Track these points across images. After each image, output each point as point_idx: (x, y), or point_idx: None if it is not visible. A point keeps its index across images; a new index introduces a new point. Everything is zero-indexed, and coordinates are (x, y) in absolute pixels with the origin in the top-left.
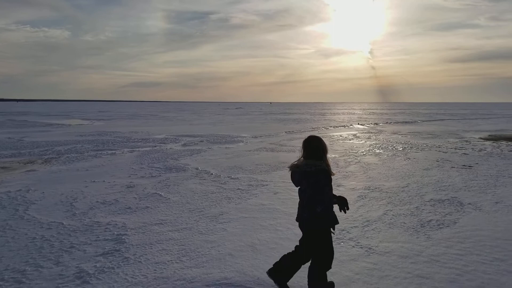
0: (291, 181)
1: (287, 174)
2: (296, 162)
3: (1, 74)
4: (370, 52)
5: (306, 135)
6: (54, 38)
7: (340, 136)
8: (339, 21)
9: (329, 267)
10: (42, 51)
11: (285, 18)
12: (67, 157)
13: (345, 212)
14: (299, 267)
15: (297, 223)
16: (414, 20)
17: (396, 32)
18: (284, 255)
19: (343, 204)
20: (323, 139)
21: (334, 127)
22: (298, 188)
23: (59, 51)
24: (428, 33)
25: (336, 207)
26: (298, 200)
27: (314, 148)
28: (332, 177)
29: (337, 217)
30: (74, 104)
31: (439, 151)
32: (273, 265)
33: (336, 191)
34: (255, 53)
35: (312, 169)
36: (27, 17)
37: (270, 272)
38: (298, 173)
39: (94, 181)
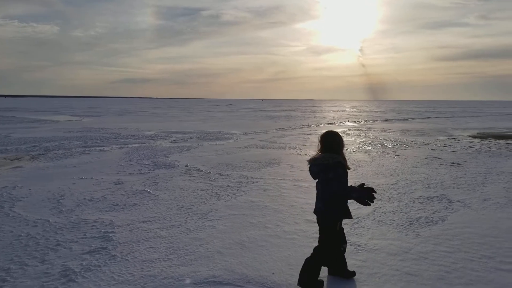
0: (281, 178)
1: (277, 171)
2: (313, 156)
3: None
4: (361, 50)
5: (296, 132)
6: (43, 34)
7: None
8: (330, 19)
9: (323, 261)
10: (31, 46)
11: (276, 15)
12: (55, 153)
13: (369, 205)
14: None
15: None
16: (404, 18)
17: (387, 30)
18: (306, 259)
19: (368, 196)
20: (314, 135)
21: (324, 124)
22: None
23: (48, 46)
24: (418, 31)
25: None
26: (313, 194)
27: (330, 142)
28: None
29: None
30: (63, 100)
31: (428, 148)
32: (300, 275)
33: None
34: (246, 50)
35: (330, 162)
36: (15, 12)
37: (303, 284)
38: (316, 166)
39: (81, 178)
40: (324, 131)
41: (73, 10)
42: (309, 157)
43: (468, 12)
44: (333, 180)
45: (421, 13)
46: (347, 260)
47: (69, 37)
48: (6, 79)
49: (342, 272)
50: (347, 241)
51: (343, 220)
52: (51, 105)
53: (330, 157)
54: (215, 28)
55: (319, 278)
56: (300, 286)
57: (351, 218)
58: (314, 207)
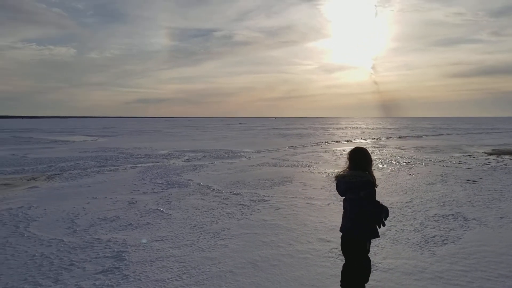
0: (293, 197)
1: (290, 189)
2: (342, 172)
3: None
4: (373, 68)
5: (309, 150)
6: (59, 56)
7: (343, 151)
8: (341, 37)
9: (365, 279)
10: (48, 68)
11: (288, 35)
12: (70, 173)
13: (380, 226)
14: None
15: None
16: (415, 36)
17: (398, 48)
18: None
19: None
20: (326, 152)
21: (337, 141)
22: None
23: (65, 68)
24: (429, 48)
25: None
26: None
27: (359, 159)
28: (336, 192)
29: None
30: (79, 120)
31: (443, 165)
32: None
33: (339, 206)
34: (258, 69)
35: (357, 180)
36: (33, 35)
37: None
38: (343, 183)
39: (96, 198)
40: (353, 147)
41: (89, 32)
42: (336, 173)
43: (480, 29)
44: (364, 200)
45: (433, 30)
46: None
47: (85, 59)
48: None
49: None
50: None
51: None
52: (67, 125)
53: (358, 175)
54: (228, 48)
55: None
56: None
57: (379, 237)
58: (329, 225)
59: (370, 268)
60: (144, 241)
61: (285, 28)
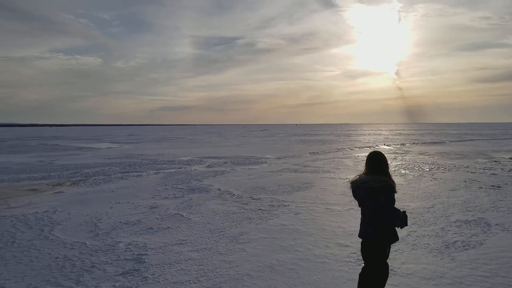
0: (313, 202)
1: (309, 194)
2: (358, 177)
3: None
4: (396, 73)
5: (330, 156)
6: (86, 65)
7: (365, 157)
8: (364, 43)
9: (382, 284)
10: (75, 77)
11: (310, 41)
12: (95, 179)
13: (400, 228)
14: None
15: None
16: (439, 41)
17: (422, 53)
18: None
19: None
20: (348, 158)
21: (359, 147)
22: (359, 203)
23: (91, 77)
24: (454, 53)
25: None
26: (361, 216)
27: (378, 163)
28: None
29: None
30: (105, 128)
31: (467, 171)
32: None
33: (358, 212)
34: (281, 76)
35: (379, 185)
36: (61, 46)
37: None
38: (363, 189)
39: (118, 202)
40: (371, 151)
41: (115, 42)
42: (352, 179)
43: (507, 33)
44: (384, 205)
45: (458, 35)
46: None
47: (111, 68)
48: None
49: None
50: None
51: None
52: (93, 133)
53: (379, 180)
54: (250, 56)
55: None
56: None
57: (398, 240)
58: (348, 230)
59: (388, 273)
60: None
61: (307, 35)
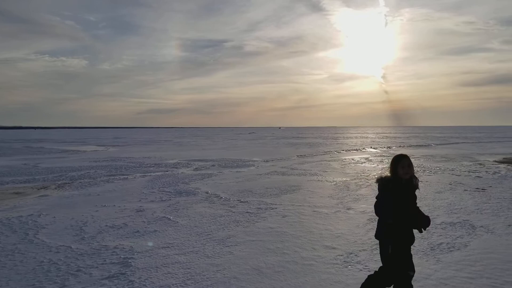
0: (300, 205)
1: (297, 197)
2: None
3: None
4: (383, 77)
5: (318, 158)
6: (72, 67)
7: (352, 159)
8: (351, 47)
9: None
10: (61, 79)
11: (298, 45)
12: (80, 182)
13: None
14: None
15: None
16: (425, 45)
17: (408, 57)
18: (369, 275)
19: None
20: (335, 161)
21: (346, 150)
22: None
23: (77, 79)
24: (440, 57)
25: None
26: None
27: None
28: (343, 199)
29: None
30: (91, 131)
31: (452, 174)
32: None
33: (346, 214)
34: (269, 79)
35: (378, 183)
36: (46, 47)
37: None
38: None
39: (104, 206)
40: (396, 154)
41: (101, 44)
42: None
43: (492, 38)
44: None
45: (443, 39)
46: None
47: (97, 70)
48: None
49: None
50: (366, 267)
51: (411, 246)
52: (79, 136)
53: (378, 179)
54: (238, 59)
55: None
56: None
57: (391, 239)
58: (335, 232)
59: (387, 273)
60: (150, 244)
61: (295, 38)
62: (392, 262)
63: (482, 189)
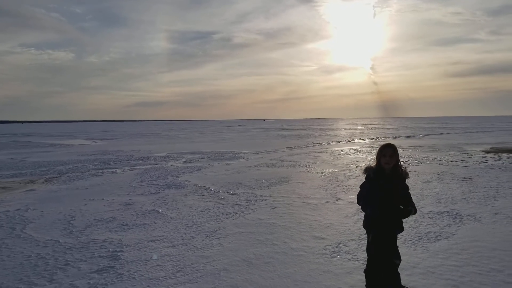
0: (290, 196)
1: (286, 188)
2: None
3: (6, 96)
4: (372, 68)
5: (307, 150)
6: (58, 60)
7: (341, 150)
8: (340, 38)
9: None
10: (47, 73)
11: (287, 36)
12: (68, 176)
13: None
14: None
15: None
16: (414, 36)
17: (397, 48)
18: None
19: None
20: (324, 153)
21: (335, 142)
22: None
23: (64, 72)
24: (428, 48)
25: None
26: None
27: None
28: (332, 190)
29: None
30: (79, 124)
31: (440, 164)
32: None
33: (335, 205)
34: (258, 71)
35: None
36: (32, 40)
37: None
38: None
39: (93, 199)
40: (382, 144)
41: (87, 37)
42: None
43: (479, 28)
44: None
45: (431, 30)
46: (353, 276)
47: (84, 63)
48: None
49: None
50: (355, 256)
51: (398, 235)
52: (66, 129)
53: (364, 168)
54: (227, 51)
55: None
56: None
57: (375, 233)
58: (324, 223)
59: (370, 261)
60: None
61: (283, 30)
62: (370, 251)
63: (469, 178)
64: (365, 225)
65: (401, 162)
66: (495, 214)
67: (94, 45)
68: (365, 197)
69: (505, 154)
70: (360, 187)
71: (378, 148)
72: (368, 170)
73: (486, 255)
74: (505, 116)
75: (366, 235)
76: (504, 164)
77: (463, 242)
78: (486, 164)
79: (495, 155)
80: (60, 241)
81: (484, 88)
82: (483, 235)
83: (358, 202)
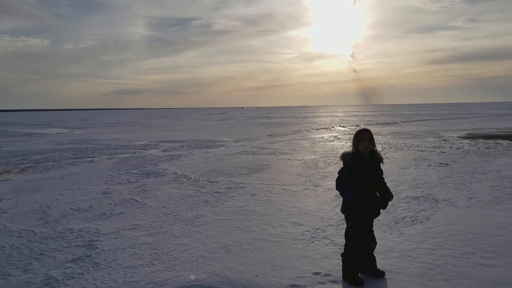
0: (269, 183)
1: (266, 176)
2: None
3: None
4: (352, 56)
5: (288, 138)
6: (33, 47)
7: (321, 138)
8: (321, 25)
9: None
10: (22, 60)
11: (267, 23)
12: (44, 165)
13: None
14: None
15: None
16: (393, 23)
17: (377, 35)
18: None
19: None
20: (305, 140)
21: (316, 129)
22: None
23: (39, 60)
24: (407, 35)
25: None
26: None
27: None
28: (312, 177)
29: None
30: (56, 113)
31: (417, 150)
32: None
33: (314, 191)
34: (239, 58)
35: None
36: (5, 27)
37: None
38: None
39: (69, 189)
40: (359, 129)
41: (63, 23)
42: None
43: (456, 16)
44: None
45: (410, 17)
46: (330, 260)
47: (60, 50)
48: None
49: (371, 271)
50: (332, 241)
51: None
52: (43, 118)
53: (341, 154)
54: (207, 38)
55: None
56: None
57: (354, 217)
58: (303, 209)
59: (349, 246)
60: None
61: (264, 17)
62: (348, 235)
63: (446, 164)
64: (343, 210)
65: (376, 147)
66: (470, 198)
67: (70, 32)
68: (344, 183)
69: (481, 140)
70: (339, 172)
71: (355, 134)
72: (345, 156)
73: (460, 238)
74: (483, 102)
75: (345, 220)
76: (480, 149)
77: (438, 226)
78: (463, 149)
79: (471, 140)
80: (36, 231)
81: (462, 75)
82: (458, 219)
83: (337, 188)
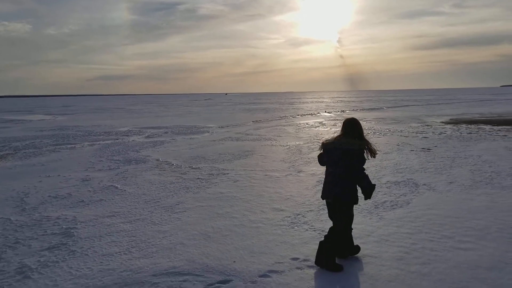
0: (252, 169)
1: (249, 162)
2: (333, 140)
3: None
4: (339, 41)
5: (273, 123)
6: (15, 32)
7: (307, 124)
8: (307, 10)
9: (339, 235)
10: (3, 45)
11: (254, 8)
12: (24, 152)
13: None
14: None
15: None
16: (380, 8)
17: (363, 21)
18: (320, 242)
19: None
20: (290, 126)
21: (301, 115)
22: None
23: (21, 45)
24: (394, 21)
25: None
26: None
27: (354, 126)
28: (295, 163)
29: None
30: (38, 99)
31: (401, 135)
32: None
33: (296, 177)
34: (225, 43)
35: (356, 147)
36: None
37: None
38: (339, 150)
39: (49, 176)
40: (347, 117)
41: (45, 7)
42: (325, 140)
43: (443, 1)
44: (357, 165)
45: (397, 2)
46: (309, 245)
47: (42, 35)
48: None
49: (350, 250)
50: (312, 227)
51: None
52: (25, 105)
53: (354, 143)
54: (192, 22)
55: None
56: (318, 265)
57: (357, 203)
58: (284, 195)
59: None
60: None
61: (250, 1)
62: (340, 224)
63: (428, 149)
64: (353, 200)
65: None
66: (450, 183)
67: (52, 17)
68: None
69: (463, 125)
70: (364, 162)
71: (360, 124)
72: (322, 145)
73: (438, 223)
74: (468, 88)
75: (326, 206)
76: (462, 134)
77: (418, 211)
78: (445, 135)
79: (454, 126)
80: (11, 218)
81: (448, 60)
82: (437, 204)
83: (365, 176)
